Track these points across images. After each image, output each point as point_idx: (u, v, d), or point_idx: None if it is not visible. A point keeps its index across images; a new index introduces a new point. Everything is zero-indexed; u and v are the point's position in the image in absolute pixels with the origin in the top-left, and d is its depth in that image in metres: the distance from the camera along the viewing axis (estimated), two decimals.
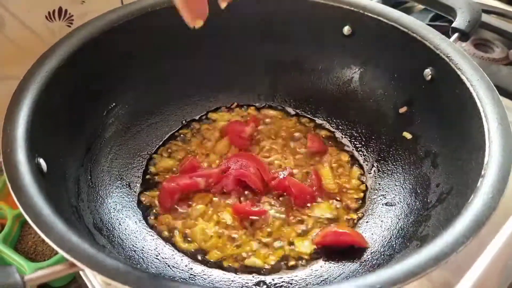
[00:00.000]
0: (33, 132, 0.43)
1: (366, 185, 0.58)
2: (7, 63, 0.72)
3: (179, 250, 0.50)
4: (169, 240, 0.51)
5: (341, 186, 0.58)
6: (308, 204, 0.55)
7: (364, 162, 0.61)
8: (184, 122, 0.66)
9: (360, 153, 0.62)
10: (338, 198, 0.56)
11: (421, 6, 1.00)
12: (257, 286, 0.47)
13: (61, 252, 0.31)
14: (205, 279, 0.47)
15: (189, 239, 0.52)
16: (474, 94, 0.47)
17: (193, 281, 0.46)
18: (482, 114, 0.45)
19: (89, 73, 0.55)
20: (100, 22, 0.56)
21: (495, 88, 0.48)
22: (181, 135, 0.64)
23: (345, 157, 0.61)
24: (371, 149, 0.61)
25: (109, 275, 0.30)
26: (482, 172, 0.39)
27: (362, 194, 0.57)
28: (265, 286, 0.47)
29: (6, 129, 0.41)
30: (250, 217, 0.53)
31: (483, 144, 0.42)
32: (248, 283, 0.47)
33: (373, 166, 0.60)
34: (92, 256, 0.31)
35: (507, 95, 0.76)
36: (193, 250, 0.51)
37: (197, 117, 0.67)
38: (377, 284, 0.29)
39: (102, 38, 0.55)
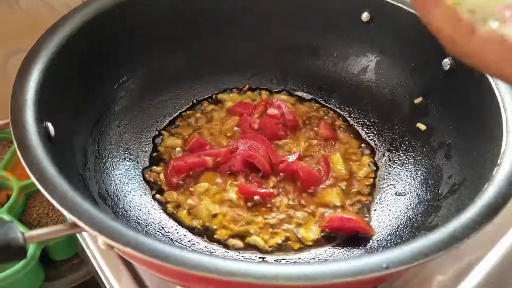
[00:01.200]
0: (43, 96, 0.43)
1: (376, 174, 0.57)
2: (21, 36, 0.73)
3: (183, 225, 0.50)
4: (173, 216, 0.51)
5: (351, 173, 0.57)
6: (316, 189, 0.54)
7: (375, 151, 0.60)
8: (194, 101, 0.65)
9: (372, 141, 0.61)
10: (347, 185, 0.55)
11: None
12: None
13: (63, 211, 0.31)
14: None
15: (193, 215, 0.51)
16: (493, 85, 0.46)
17: None
18: (501, 104, 0.44)
19: (102, 44, 0.55)
20: None
21: None
22: (190, 114, 0.64)
23: (356, 145, 0.60)
24: (383, 138, 0.60)
25: (109, 235, 0.29)
26: (498, 161, 0.38)
27: (371, 182, 0.56)
28: None
29: (16, 91, 0.41)
30: (256, 197, 0.53)
31: (501, 134, 0.41)
32: (249, 260, 0.46)
33: (384, 155, 0.59)
34: (94, 216, 0.31)
35: None
36: (197, 226, 0.50)
37: (207, 97, 0.66)
38: (384, 263, 0.28)
39: (116, 10, 0.55)
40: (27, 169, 0.34)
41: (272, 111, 0.62)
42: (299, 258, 0.47)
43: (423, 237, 0.31)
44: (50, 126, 0.42)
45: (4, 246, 0.29)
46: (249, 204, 0.52)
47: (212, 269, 0.28)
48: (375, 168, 0.58)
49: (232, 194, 0.53)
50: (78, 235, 0.57)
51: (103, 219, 0.31)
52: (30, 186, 0.75)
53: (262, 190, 0.53)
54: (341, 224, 0.49)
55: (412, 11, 0.57)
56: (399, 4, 0.58)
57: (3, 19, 0.70)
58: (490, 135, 0.44)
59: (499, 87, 0.46)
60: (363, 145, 0.61)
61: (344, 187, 0.55)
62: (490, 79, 0.47)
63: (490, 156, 0.41)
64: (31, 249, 0.68)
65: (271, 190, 0.53)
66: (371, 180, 0.56)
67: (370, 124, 0.62)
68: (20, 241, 0.29)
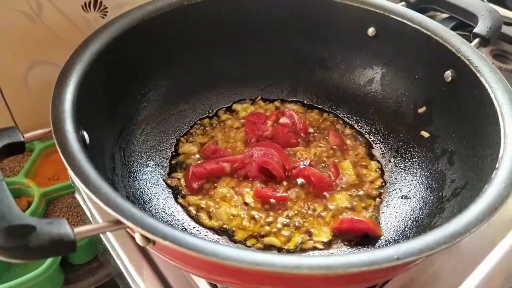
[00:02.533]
0: (78, 107, 0.46)
1: (383, 179, 0.60)
2: (43, 48, 0.77)
3: (204, 227, 0.54)
4: (195, 218, 0.55)
5: (360, 178, 0.60)
6: (327, 194, 0.58)
7: (382, 158, 0.63)
8: (210, 111, 0.69)
9: (378, 149, 0.64)
10: (356, 189, 0.59)
11: (443, 15, 1.03)
12: None
13: (107, 209, 0.34)
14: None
15: (213, 217, 0.55)
16: (492, 95, 0.50)
17: None
18: (499, 113, 0.47)
19: (127, 59, 0.58)
20: (140, 12, 0.59)
21: (509, 86, 0.50)
22: (206, 122, 0.68)
23: (363, 152, 0.64)
24: (389, 145, 0.64)
25: (150, 230, 0.33)
26: (497, 165, 0.42)
27: (379, 186, 0.59)
28: None
29: (55, 102, 0.45)
30: (271, 201, 0.56)
31: (499, 140, 0.45)
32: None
33: (390, 161, 0.62)
34: (135, 214, 0.34)
35: None
36: (217, 227, 0.54)
37: (222, 107, 0.70)
38: (395, 254, 0.32)
39: (140, 27, 0.58)
40: (71, 173, 0.38)
41: (284, 120, 0.66)
42: (313, 255, 0.50)
43: (429, 233, 0.34)
44: (85, 134, 0.46)
45: (57, 240, 0.32)
46: (265, 207, 0.56)
47: (240, 260, 0.31)
48: (382, 173, 0.61)
49: (249, 198, 0.56)
50: (102, 236, 0.60)
51: (143, 216, 0.34)
52: (50, 193, 0.79)
53: (277, 194, 0.56)
54: (351, 226, 0.52)
55: (416, 26, 0.61)
56: (403, 20, 0.62)
57: (25, 33, 0.73)
58: (489, 142, 0.47)
59: (497, 96, 0.49)
60: (370, 152, 0.64)
61: (353, 191, 0.59)
62: (489, 90, 0.50)
63: (489, 161, 0.45)
64: None
65: (286, 194, 0.57)
66: (379, 184, 0.60)
67: (376, 132, 0.66)
68: (71, 236, 0.33)
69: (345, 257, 0.32)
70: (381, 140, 0.65)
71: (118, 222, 0.35)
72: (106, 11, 0.81)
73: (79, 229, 0.34)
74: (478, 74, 0.52)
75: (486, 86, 0.51)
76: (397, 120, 0.65)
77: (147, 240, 0.36)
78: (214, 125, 0.67)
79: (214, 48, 0.67)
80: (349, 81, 0.71)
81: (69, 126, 0.43)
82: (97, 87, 0.53)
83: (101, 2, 0.79)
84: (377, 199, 0.58)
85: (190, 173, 0.58)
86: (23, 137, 0.41)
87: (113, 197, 0.35)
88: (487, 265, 0.56)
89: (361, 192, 0.59)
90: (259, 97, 0.72)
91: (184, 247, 0.32)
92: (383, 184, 0.60)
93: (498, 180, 0.40)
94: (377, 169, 0.62)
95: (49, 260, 0.71)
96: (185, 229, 0.52)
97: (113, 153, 0.55)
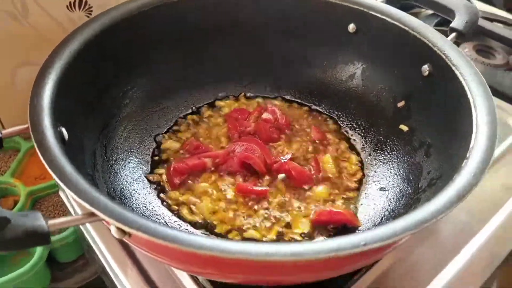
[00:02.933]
0: (57, 104, 0.46)
1: (363, 172, 0.61)
2: (29, 49, 0.77)
3: (185, 221, 0.54)
4: (176, 213, 0.55)
5: (340, 171, 0.61)
6: (307, 187, 0.59)
7: (362, 151, 0.64)
8: (193, 108, 0.70)
9: (359, 143, 0.65)
10: (336, 182, 0.60)
11: (427, 12, 1.04)
12: None
13: (82, 203, 0.35)
14: None
15: (195, 212, 0.55)
16: (466, 88, 0.51)
17: None
18: (472, 105, 0.48)
19: (108, 56, 0.59)
20: (121, 10, 0.60)
21: (486, 83, 0.51)
22: (189, 118, 0.68)
23: (344, 146, 0.65)
24: (369, 139, 0.65)
25: (123, 222, 0.33)
26: (467, 155, 0.43)
27: (359, 179, 0.60)
28: None
29: (33, 99, 0.45)
30: (252, 195, 0.57)
31: (471, 131, 0.46)
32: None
33: (370, 155, 0.63)
34: (109, 206, 0.35)
35: (508, 99, 0.80)
36: (199, 221, 0.54)
37: (205, 104, 0.71)
38: (363, 241, 0.33)
39: (121, 25, 0.59)
40: (47, 167, 0.38)
41: (266, 115, 0.67)
42: None
43: (397, 220, 0.35)
44: (64, 131, 0.46)
45: (31, 232, 0.32)
46: (246, 201, 0.57)
47: (215, 249, 0.32)
48: (361, 166, 0.62)
49: (230, 192, 0.57)
50: (85, 233, 0.61)
51: (117, 208, 0.35)
52: (36, 192, 0.79)
53: (257, 188, 0.57)
54: (329, 217, 0.53)
55: (395, 22, 0.62)
56: (383, 16, 0.63)
57: (12, 34, 0.74)
58: (463, 133, 0.48)
59: (471, 88, 0.50)
60: (351, 146, 0.65)
61: (333, 184, 0.59)
62: (463, 82, 0.51)
63: (462, 151, 0.45)
64: (38, 250, 0.72)
65: (266, 188, 0.58)
66: (359, 177, 0.61)
67: (357, 126, 0.67)
68: (45, 228, 0.33)
69: (315, 244, 0.33)
70: (362, 134, 0.66)
71: (92, 215, 0.35)
72: (91, 10, 0.81)
73: (53, 221, 0.34)
74: (453, 68, 0.53)
75: (461, 79, 0.52)
76: (378, 114, 0.66)
77: (123, 232, 0.36)
78: (197, 121, 0.68)
79: (197, 46, 0.67)
80: (331, 76, 0.71)
81: (46, 122, 0.43)
82: (77, 84, 0.53)
83: (86, 2, 0.79)
84: (356, 192, 0.59)
85: (171, 169, 0.59)
86: (1, 133, 0.41)
87: (88, 190, 0.36)
88: (466, 254, 0.57)
89: (341, 185, 0.59)
90: (242, 94, 0.73)
91: (156, 237, 0.33)
92: (363, 176, 0.61)
93: (467, 169, 0.40)
94: (357, 162, 0.63)
95: (35, 258, 0.71)
96: (166, 223, 0.53)
97: (94, 149, 0.55)
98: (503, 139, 0.74)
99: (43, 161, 0.39)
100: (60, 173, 0.37)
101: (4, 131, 0.42)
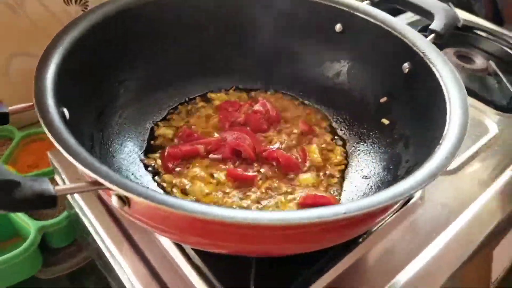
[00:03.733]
0: (58, 87, 0.48)
1: (347, 161, 0.65)
2: (25, 40, 0.79)
3: None
4: (169, 194, 0.58)
5: (325, 161, 0.65)
6: (294, 174, 0.62)
7: (347, 142, 0.68)
8: (186, 99, 0.73)
9: (344, 135, 0.69)
10: (322, 170, 0.63)
11: (413, 18, 1.10)
12: None
13: (86, 171, 0.38)
14: None
15: (188, 194, 0.58)
16: (442, 83, 0.55)
17: None
18: (447, 98, 0.52)
19: (105, 46, 0.61)
20: (117, 3, 0.62)
21: (460, 78, 0.55)
22: (182, 108, 0.71)
23: (330, 138, 0.69)
24: (354, 132, 0.69)
25: (125, 188, 0.36)
26: (440, 141, 0.47)
27: (343, 168, 0.64)
28: None
29: (37, 81, 0.47)
30: (242, 180, 0.60)
31: (444, 123, 0.50)
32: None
33: (353, 146, 0.67)
34: (111, 175, 0.38)
35: (486, 101, 0.85)
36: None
37: (197, 96, 0.74)
38: (343, 210, 0.36)
39: (117, 17, 0.61)
40: (53, 139, 0.40)
41: (257, 107, 0.70)
42: None
43: (373, 196, 0.39)
44: (65, 111, 0.48)
45: (39, 194, 0.35)
46: (236, 185, 0.60)
47: (208, 213, 0.35)
48: (346, 156, 0.66)
49: (221, 176, 0.60)
50: (82, 215, 0.63)
51: (119, 177, 0.38)
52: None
53: (246, 174, 0.60)
54: (314, 201, 0.57)
55: (378, 23, 0.66)
56: (367, 17, 0.67)
57: (7, 23, 0.76)
58: (438, 124, 0.52)
59: (446, 84, 0.54)
60: (336, 137, 0.69)
61: (318, 172, 0.63)
62: (440, 78, 0.56)
63: (436, 140, 0.49)
64: (32, 235, 0.74)
65: (255, 173, 0.61)
66: (343, 166, 0.65)
67: (342, 120, 0.71)
68: (52, 192, 0.36)
69: (300, 211, 0.36)
70: (347, 127, 0.70)
71: (96, 183, 0.38)
72: (87, 5, 0.84)
73: (59, 187, 0.37)
74: (431, 65, 0.58)
75: (437, 75, 0.56)
76: (361, 109, 0.70)
77: (123, 202, 0.39)
78: (189, 110, 0.71)
79: (189, 39, 0.70)
80: (319, 73, 0.75)
81: (50, 102, 0.45)
82: (76, 70, 0.55)
83: None
84: (341, 179, 0.63)
85: (166, 153, 0.62)
86: (7, 108, 0.44)
87: (91, 161, 0.39)
88: (439, 243, 0.61)
89: (326, 173, 0.63)
90: (233, 88, 0.76)
91: (155, 202, 0.36)
92: (346, 166, 0.65)
93: (439, 153, 0.44)
94: (342, 153, 0.66)
95: (27, 242, 0.73)
96: None
97: (92, 133, 0.57)
98: (480, 138, 0.78)
99: (49, 135, 0.41)
100: (65, 145, 0.40)
101: (10, 108, 0.45)
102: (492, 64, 0.95)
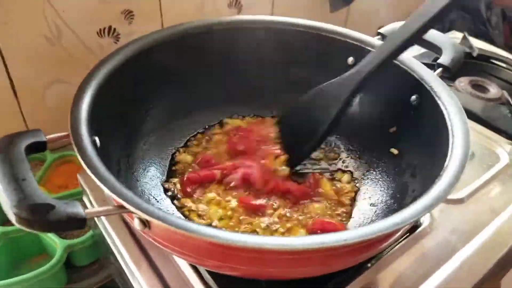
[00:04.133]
0: (91, 117, 0.54)
1: (357, 188, 0.68)
2: (60, 68, 0.86)
3: None
4: (188, 218, 0.62)
5: (335, 189, 0.68)
6: (304, 202, 0.65)
7: (356, 170, 0.71)
8: (206, 127, 0.78)
9: (354, 163, 0.72)
10: (331, 199, 0.66)
11: (422, 50, 1.13)
12: None
13: (114, 196, 0.42)
14: None
15: (204, 218, 0.62)
16: (446, 117, 0.58)
17: None
18: (450, 131, 0.55)
19: (134, 79, 0.67)
20: (146, 40, 0.68)
21: (463, 111, 0.58)
22: (201, 135, 0.76)
23: (340, 165, 0.72)
24: (364, 160, 0.72)
25: (147, 213, 0.41)
26: (441, 174, 0.49)
27: (352, 196, 0.67)
28: None
29: (73, 112, 0.53)
30: (253, 208, 0.63)
31: (447, 155, 0.53)
32: None
33: (363, 174, 0.70)
34: (136, 200, 0.42)
35: (498, 131, 0.88)
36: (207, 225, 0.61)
37: (216, 123, 0.79)
38: (344, 237, 0.39)
39: (146, 53, 0.67)
40: (85, 167, 0.45)
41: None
42: None
43: (373, 224, 0.42)
44: (97, 139, 0.53)
45: (71, 217, 0.40)
46: (248, 212, 0.63)
47: (223, 239, 0.39)
48: (355, 184, 0.69)
49: (234, 202, 0.64)
50: (106, 236, 0.68)
51: (142, 202, 0.42)
52: (60, 198, 0.87)
53: (258, 202, 0.63)
54: (322, 227, 0.60)
55: None
56: None
57: (45, 54, 0.83)
58: (441, 157, 0.54)
59: (451, 117, 0.57)
60: (347, 166, 0.72)
61: (328, 200, 0.66)
62: (444, 111, 0.59)
63: (438, 173, 0.52)
64: (58, 253, 0.78)
65: (265, 202, 0.64)
66: (352, 194, 0.67)
67: (353, 149, 0.74)
68: (82, 215, 0.40)
69: (304, 238, 0.40)
70: (358, 155, 0.73)
71: (121, 207, 0.42)
72: (119, 37, 0.91)
73: (89, 210, 0.41)
74: (436, 98, 0.61)
75: (442, 108, 0.59)
76: (372, 138, 0.73)
77: (144, 224, 0.43)
78: (208, 137, 0.76)
79: (210, 73, 0.76)
80: None
81: (84, 131, 0.51)
82: (108, 102, 0.60)
83: (114, 29, 0.89)
84: (349, 207, 0.65)
85: (185, 178, 0.66)
86: (46, 137, 0.49)
87: (118, 186, 0.43)
88: (447, 270, 0.62)
89: (335, 201, 0.66)
90: (251, 115, 0.80)
91: (173, 226, 0.40)
92: (356, 192, 0.67)
93: (436, 187, 0.47)
94: (351, 181, 0.69)
95: (54, 260, 0.78)
96: None
97: (119, 158, 0.63)
98: (491, 167, 0.80)
99: (82, 162, 0.46)
100: (96, 172, 0.45)
101: (48, 136, 0.50)
102: (505, 93, 0.96)
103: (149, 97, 0.71)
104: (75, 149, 0.48)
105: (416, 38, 0.62)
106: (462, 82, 1.04)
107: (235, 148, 0.72)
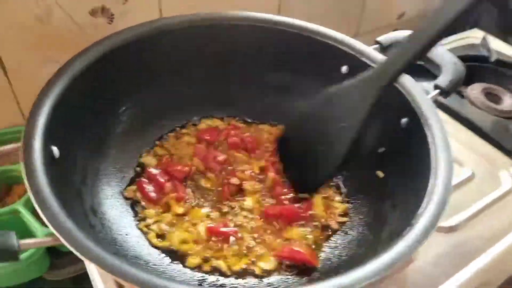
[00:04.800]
0: (52, 125, 0.51)
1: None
2: (51, 48, 0.83)
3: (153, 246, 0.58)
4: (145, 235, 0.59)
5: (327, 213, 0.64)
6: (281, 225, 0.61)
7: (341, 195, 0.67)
8: (177, 129, 0.73)
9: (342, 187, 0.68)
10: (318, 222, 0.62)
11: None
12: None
13: (49, 226, 0.40)
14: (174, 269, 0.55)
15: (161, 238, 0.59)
16: (432, 152, 0.53)
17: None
18: (432, 169, 0.51)
19: (106, 80, 0.63)
20: (125, 34, 0.64)
21: (450, 147, 0.53)
22: (171, 137, 0.72)
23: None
24: (351, 183, 0.67)
25: (81, 251, 0.38)
26: (412, 222, 0.45)
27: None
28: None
29: (29, 120, 0.50)
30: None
31: (424, 195, 0.48)
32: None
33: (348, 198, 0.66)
34: (72, 234, 0.40)
35: (505, 151, 0.82)
36: (165, 247, 0.58)
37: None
38: None
39: (116, 53, 0.63)
40: (27, 186, 0.43)
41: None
42: (246, 283, 0.55)
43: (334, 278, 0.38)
44: (55, 149, 0.51)
45: (3, 250, 0.38)
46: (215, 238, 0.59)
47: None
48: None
49: (202, 228, 0.60)
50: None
51: (79, 236, 0.40)
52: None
53: (227, 230, 0.59)
54: (290, 255, 0.56)
55: None
56: (371, 63, 0.65)
57: (35, 33, 0.79)
58: (420, 195, 0.50)
59: (437, 154, 0.53)
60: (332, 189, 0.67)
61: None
62: (430, 145, 0.54)
63: (413, 214, 0.48)
64: None
65: (235, 228, 0.60)
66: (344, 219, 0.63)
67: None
68: (15, 248, 0.39)
69: None
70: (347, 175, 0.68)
71: (57, 239, 0.40)
72: (113, 17, 0.86)
73: (24, 241, 0.39)
74: (425, 128, 0.56)
75: (429, 140, 0.54)
76: (360, 158, 0.68)
77: None
78: (178, 137, 0.72)
79: (187, 73, 0.71)
80: None
81: (37, 143, 0.48)
82: (76, 106, 0.57)
83: (108, 9, 0.85)
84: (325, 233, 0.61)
85: (139, 184, 0.63)
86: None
87: (57, 215, 0.41)
88: None
89: (317, 224, 0.62)
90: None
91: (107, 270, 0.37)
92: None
93: (403, 241, 0.43)
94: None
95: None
96: (139, 241, 0.58)
97: (87, 165, 0.60)
98: (489, 192, 0.74)
99: (25, 182, 0.44)
100: (37, 194, 0.43)
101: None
102: None
103: (123, 98, 0.68)
104: (22, 166, 0.45)
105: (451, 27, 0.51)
106: (475, 89, 0.96)
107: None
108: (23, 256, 0.75)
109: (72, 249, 0.39)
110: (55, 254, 0.85)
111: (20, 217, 0.83)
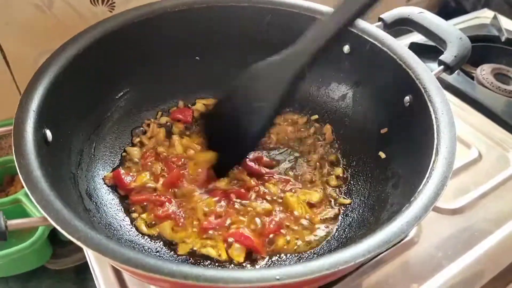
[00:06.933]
0: (45, 107, 0.50)
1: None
2: (52, 38, 0.82)
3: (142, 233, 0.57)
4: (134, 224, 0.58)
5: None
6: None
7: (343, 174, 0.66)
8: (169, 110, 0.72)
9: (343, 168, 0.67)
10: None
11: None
12: None
13: (38, 206, 0.39)
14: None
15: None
16: (435, 129, 0.51)
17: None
18: (434, 146, 0.49)
19: (103, 63, 0.62)
20: (121, 18, 0.64)
21: (454, 123, 0.51)
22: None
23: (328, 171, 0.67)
24: (352, 165, 0.66)
25: (68, 231, 0.37)
26: (412, 198, 0.44)
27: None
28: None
29: (22, 101, 0.50)
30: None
31: (427, 171, 0.46)
32: None
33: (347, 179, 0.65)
34: (61, 214, 0.39)
35: None
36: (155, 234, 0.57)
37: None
38: (277, 275, 0.35)
39: (115, 35, 0.62)
40: (18, 170, 0.43)
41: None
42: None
43: (314, 260, 0.37)
44: (48, 132, 0.50)
45: None
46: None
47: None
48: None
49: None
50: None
51: (68, 216, 0.39)
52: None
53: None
54: (239, 239, 0.55)
55: (384, 48, 0.62)
56: (374, 41, 0.63)
57: (36, 23, 0.79)
58: (423, 172, 0.48)
59: (439, 129, 0.51)
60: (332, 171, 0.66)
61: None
62: (434, 121, 0.52)
63: (414, 192, 0.46)
64: (39, 230, 0.78)
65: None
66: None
67: (345, 148, 0.68)
68: (2, 228, 0.38)
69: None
70: (348, 155, 0.67)
71: (46, 220, 0.39)
72: (114, 5, 0.85)
73: (11, 222, 0.39)
74: (429, 104, 0.54)
75: (433, 117, 0.52)
76: (362, 138, 0.66)
77: None
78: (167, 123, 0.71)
79: (180, 57, 0.70)
80: (324, 94, 0.73)
81: (29, 126, 0.47)
82: (73, 88, 0.57)
83: None
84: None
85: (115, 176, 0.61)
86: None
87: (46, 196, 0.40)
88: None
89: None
90: None
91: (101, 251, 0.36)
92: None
93: (414, 207, 0.42)
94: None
95: (37, 234, 0.77)
96: (132, 227, 0.57)
97: (83, 148, 0.59)
98: (497, 174, 0.72)
99: (16, 165, 0.43)
100: (27, 176, 0.42)
101: None
102: None
103: (122, 82, 0.67)
104: (13, 149, 0.44)
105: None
106: (484, 70, 0.93)
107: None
108: (23, 245, 0.75)
109: (58, 227, 0.38)
110: (57, 244, 0.86)
111: (22, 206, 0.83)
